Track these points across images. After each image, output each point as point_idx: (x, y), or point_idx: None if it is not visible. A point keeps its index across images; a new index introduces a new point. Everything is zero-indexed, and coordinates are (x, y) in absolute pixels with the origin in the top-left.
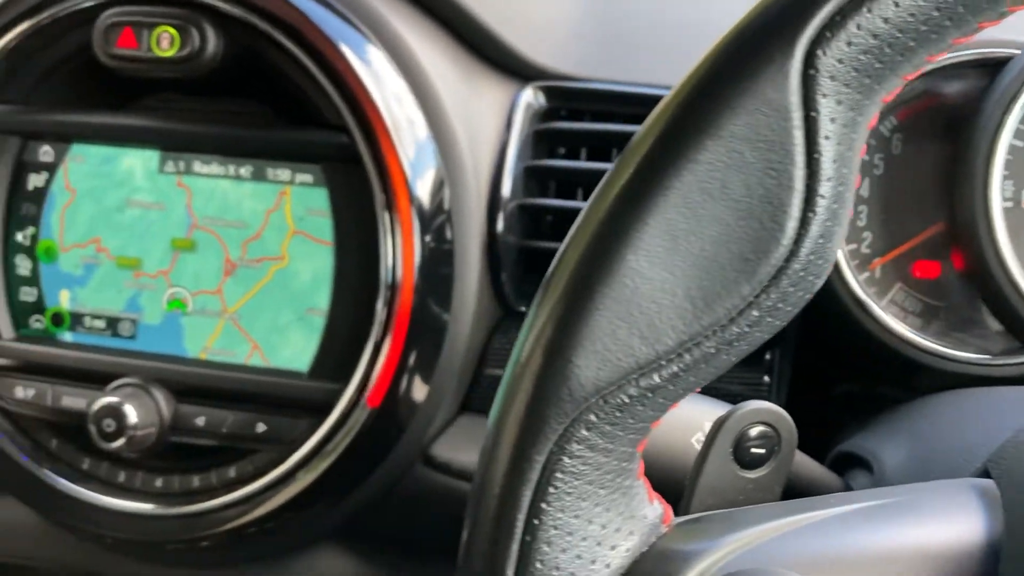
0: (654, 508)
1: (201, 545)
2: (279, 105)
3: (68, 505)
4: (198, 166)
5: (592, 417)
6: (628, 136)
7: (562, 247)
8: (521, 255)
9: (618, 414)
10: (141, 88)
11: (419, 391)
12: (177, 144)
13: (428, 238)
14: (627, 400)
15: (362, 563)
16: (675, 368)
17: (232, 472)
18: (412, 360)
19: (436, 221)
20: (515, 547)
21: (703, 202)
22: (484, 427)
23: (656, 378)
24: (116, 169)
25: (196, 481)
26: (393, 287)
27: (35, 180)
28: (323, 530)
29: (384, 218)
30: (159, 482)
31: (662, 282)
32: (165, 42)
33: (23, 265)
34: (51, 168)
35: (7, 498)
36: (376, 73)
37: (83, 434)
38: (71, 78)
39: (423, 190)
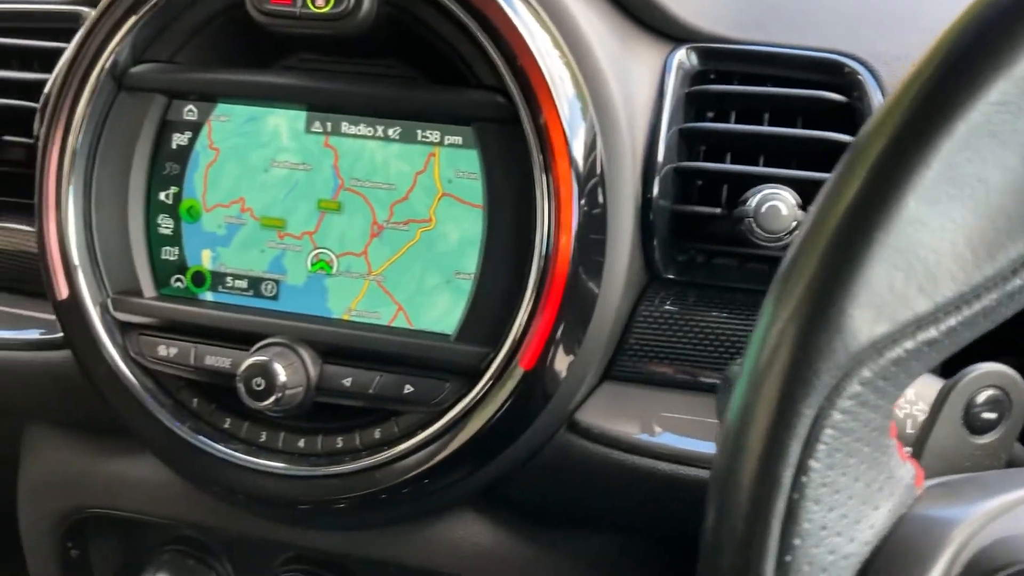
0: (907, 468)
1: (337, 507)
2: (425, 66)
3: (208, 463)
4: (345, 127)
5: (866, 372)
6: (781, 98)
7: (827, 189)
8: (672, 220)
9: (892, 369)
10: (284, 48)
11: (569, 356)
12: (325, 104)
13: (583, 202)
14: (903, 355)
15: (499, 530)
16: (953, 322)
17: (377, 434)
18: (564, 325)
19: (590, 185)
20: (781, 504)
21: (990, 146)
22: (628, 395)
23: (934, 332)
24: (261, 128)
25: (339, 442)
26: (548, 252)
27: (179, 139)
28: (462, 495)
29: (542, 181)
30: (301, 442)
31: (942, 230)
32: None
33: (165, 224)
34: (195, 127)
35: (135, 455)
36: (535, 34)
37: (225, 393)
38: (216, 37)
39: (580, 153)
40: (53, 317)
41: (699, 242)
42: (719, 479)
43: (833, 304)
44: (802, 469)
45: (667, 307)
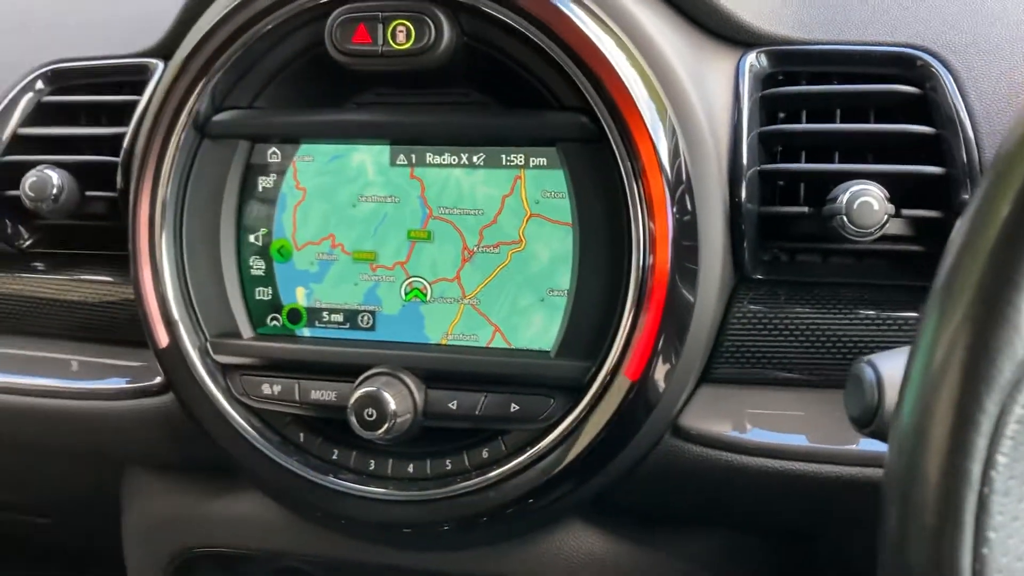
0: None
1: (443, 528)
2: (499, 91)
3: (319, 495)
4: (430, 157)
5: None
6: (854, 95)
7: (985, 190)
8: (759, 222)
9: None
10: (359, 83)
11: (672, 363)
12: (409, 137)
13: (674, 210)
14: None
15: (608, 538)
16: None
17: (485, 453)
18: (665, 334)
19: (678, 193)
20: (972, 498)
21: None
22: (728, 396)
23: None
24: (346, 165)
25: (448, 464)
26: (646, 263)
27: (264, 182)
28: (572, 507)
29: (634, 195)
30: (410, 467)
31: None
32: (401, 35)
33: (257, 266)
34: (280, 169)
35: (237, 492)
36: (615, 52)
37: (330, 425)
38: (294, 79)
39: (670, 165)
40: (140, 364)
41: (786, 241)
42: (900, 477)
43: (1009, 302)
44: (990, 463)
45: (758, 307)
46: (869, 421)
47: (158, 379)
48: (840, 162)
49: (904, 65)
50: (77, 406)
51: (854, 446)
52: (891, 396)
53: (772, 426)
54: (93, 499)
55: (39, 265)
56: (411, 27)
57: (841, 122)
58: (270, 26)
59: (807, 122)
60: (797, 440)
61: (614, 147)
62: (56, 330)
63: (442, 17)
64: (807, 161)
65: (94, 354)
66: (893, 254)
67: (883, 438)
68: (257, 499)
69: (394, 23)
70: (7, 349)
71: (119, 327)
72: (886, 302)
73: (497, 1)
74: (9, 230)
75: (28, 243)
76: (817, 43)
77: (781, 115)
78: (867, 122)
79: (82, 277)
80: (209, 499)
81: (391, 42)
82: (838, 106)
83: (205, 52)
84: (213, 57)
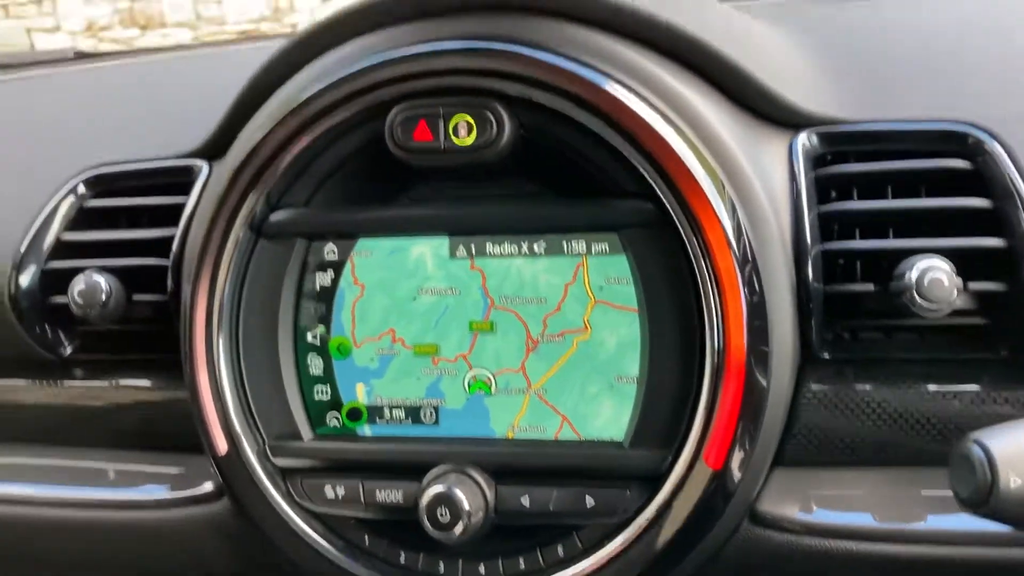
0: None
1: None
2: (553, 180)
3: None
4: (490, 248)
5: None
6: (904, 173)
7: None
8: (825, 300)
9: None
10: (413, 178)
11: (749, 449)
12: (469, 229)
13: (745, 290)
14: None
15: None
16: None
17: (560, 551)
18: (744, 418)
19: (747, 272)
20: None
21: None
22: (802, 478)
23: None
24: (405, 259)
25: (521, 563)
26: (721, 346)
27: (322, 279)
28: None
29: (705, 276)
30: (482, 568)
31: None
32: (463, 131)
33: (316, 364)
34: (337, 265)
35: None
36: (675, 137)
37: (395, 527)
38: (350, 175)
39: (736, 244)
40: (178, 470)
41: (850, 318)
42: None
43: None
44: None
45: (827, 387)
46: (983, 501)
47: (209, 485)
48: (895, 237)
49: (954, 141)
50: (121, 517)
51: (942, 526)
52: (1007, 474)
53: (851, 507)
54: None
55: (78, 372)
56: (473, 122)
57: (892, 198)
58: (328, 126)
59: (858, 199)
60: (878, 521)
61: (680, 230)
62: (94, 438)
63: (503, 112)
64: (861, 237)
65: (134, 461)
66: (957, 328)
67: (1001, 518)
68: None
69: (455, 119)
70: (44, 460)
71: (160, 433)
72: (952, 376)
73: (558, 94)
74: (50, 337)
75: (69, 350)
76: (866, 122)
77: (833, 193)
78: (918, 197)
79: (122, 383)
80: None
81: (453, 138)
82: (889, 183)
83: (262, 154)
84: (270, 159)
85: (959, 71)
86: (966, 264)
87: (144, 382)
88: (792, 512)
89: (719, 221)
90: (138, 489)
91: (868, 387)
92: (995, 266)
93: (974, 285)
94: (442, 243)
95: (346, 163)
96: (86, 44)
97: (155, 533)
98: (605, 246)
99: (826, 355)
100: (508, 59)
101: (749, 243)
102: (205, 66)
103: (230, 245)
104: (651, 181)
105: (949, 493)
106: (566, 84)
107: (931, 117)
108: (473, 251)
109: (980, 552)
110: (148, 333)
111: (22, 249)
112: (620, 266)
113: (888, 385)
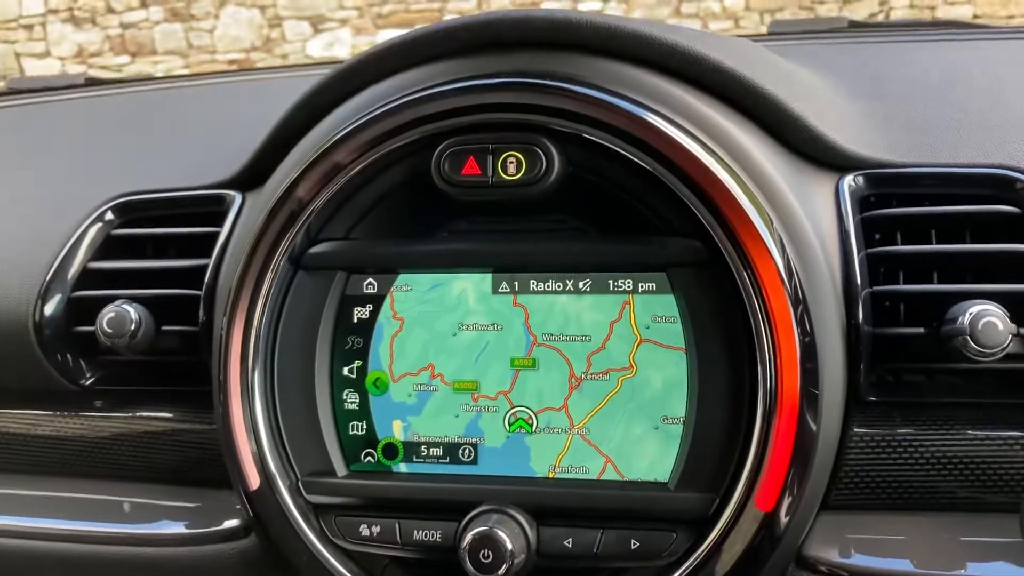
0: None
1: None
2: (596, 217)
3: None
4: (534, 284)
5: None
6: (950, 217)
7: None
8: (873, 343)
9: None
10: (455, 212)
11: (797, 492)
12: (512, 264)
13: (798, 331)
14: None
15: None
16: None
17: None
18: (796, 461)
19: (799, 313)
20: None
21: None
22: (849, 523)
23: None
24: (446, 294)
25: None
26: (774, 388)
27: (360, 313)
28: None
29: (757, 316)
30: None
31: None
32: (512, 167)
33: (351, 399)
34: (376, 299)
35: None
36: (727, 176)
37: (431, 568)
38: (392, 208)
39: (790, 286)
40: (197, 504)
41: (899, 361)
42: None
43: None
44: None
45: (875, 431)
46: None
47: (234, 521)
48: (940, 282)
49: (1001, 186)
50: (141, 553)
51: (981, 573)
52: None
53: (897, 553)
54: None
55: (99, 403)
56: (522, 158)
57: (936, 243)
58: (373, 159)
59: (901, 243)
60: (917, 567)
61: (733, 270)
62: (112, 470)
63: (552, 148)
64: (904, 282)
65: (154, 495)
66: (1003, 372)
67: None
68: None
69: (504, 155)
70: (59, 492)
71: (182, 467)
72: (998, 420)
73: (609, 131)
74: (72, 367)
75: (91, 380)
76: (913, 165)
77: (876, 235)
78: (962, 242)
79: (144, 414)
80: None
81: (501, 173)
82: (933, 226)
83: (305, 186)
84: (313, 191)
85: (1003, 117)
86: (1015, 308)
87: (167, 414)
88: (836, 556)
89: (772, 260)
90: (159, 524)
91: (913, 430)
92: None
93: None
94: (484, 278)
95: (388, 197)
96: (75, 71)
97: (177, 570)
98: (652, 284)
99: (872, 398)
100: (559, 95)
101: (800, 283)
102: (228, 97)
103: (268, 277)
104: (702, 219)
105: (990, 539)
106: (617, 121)
107: (977, 163)
108: (516, 287)
109: None
110: (173, 364)
111: (47, 277)
112: (667, 305)
113: (933, 428)
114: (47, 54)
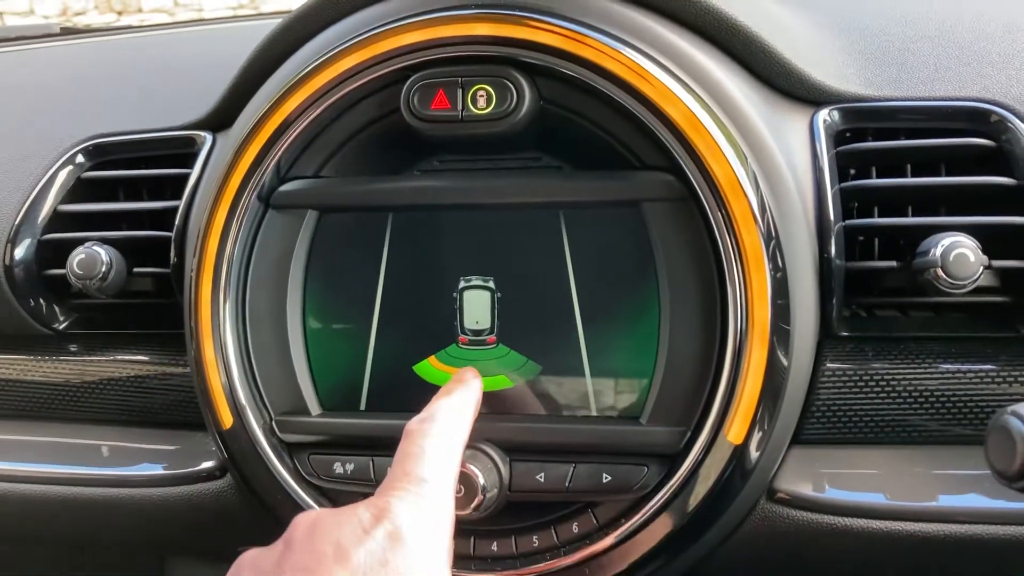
0: None
1: None
2: (568, 153)
3: None
4: (508, 223)
5: None
6: (924, 151)
7: None
8: (845, 277)
9: None
10: (423, 151)
11: (770, 426)
12: (483, 201)
13: (769, 267)
14: None
15: None
16: None
17: (575, 528)
18: (766, 395)
19: (771, 248)
20: None
21: None
22: (820, 457)
23: None
24: (419, 233)
25: (535, 541)
26: (745, 323)
27: (332, 252)
28: None
29: (729, 252)
30: (494, 546)
31: None
32: (481, 100)
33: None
34: (348, 238)
35: None
36: (700, 109)
37: None
38: (360, 146)
39: (761, 219)
40: (175, 447)
41: (871, 296)
42: None
43: None
44: None
45: (846, 365)
46: (1022, 474)
47: (209, 463)
48: (914, 215)
49: (977, 119)
50: (118, 494)
51: (953, 504)
52: None
53: (869, 486)
54: None
55: (73, 347)
56: (492, 92)
57: (913, 176)
58: (342, 94)
59: (876, 177)
60: (890, 499)
61: (705, 204)
62: (90, 414)
63: (523, 81)
64: (881, 215)
65: (130, 438)
66: (975, 306)
67: None
68: None
69: (474, 88)
70: (39, 436)
71: (157, 410)
72: (970, 355)
73: (579, 64)
74: (45, 311)
75: (64, 324)
76: (888, 99)
77: (851, 171)
78: (937, 176)
79: (119, 358)
80: None
81: (471, 107)
82: (908, 161)
83: (272, 123)
84: (281, 128)
85: (980, 53)
86: (987, 242)
87: (142, 357)
88: (807, 490)
89: (745, 196)
90: (136, 466)
91: (885, 365)
92: (1018, 245)
93: (998, 263)
94: (458, 217)
95: (357, 134)
96: None
97: (153, 511)
98: (627, 223)
99: (844, 333)
100: (529, 26)
101: (773, 219)
102: (200, 41)
103: (238, 215)
104: (674, 153)
105: (961, 472)
106: (588, 53)
107: (953, 96)
108: (490, 227)
109: (991, 530)
110: (147, 307)
111: (17, 221)
112: (641, 242)
113: (905, 363)
114: (31, 12)
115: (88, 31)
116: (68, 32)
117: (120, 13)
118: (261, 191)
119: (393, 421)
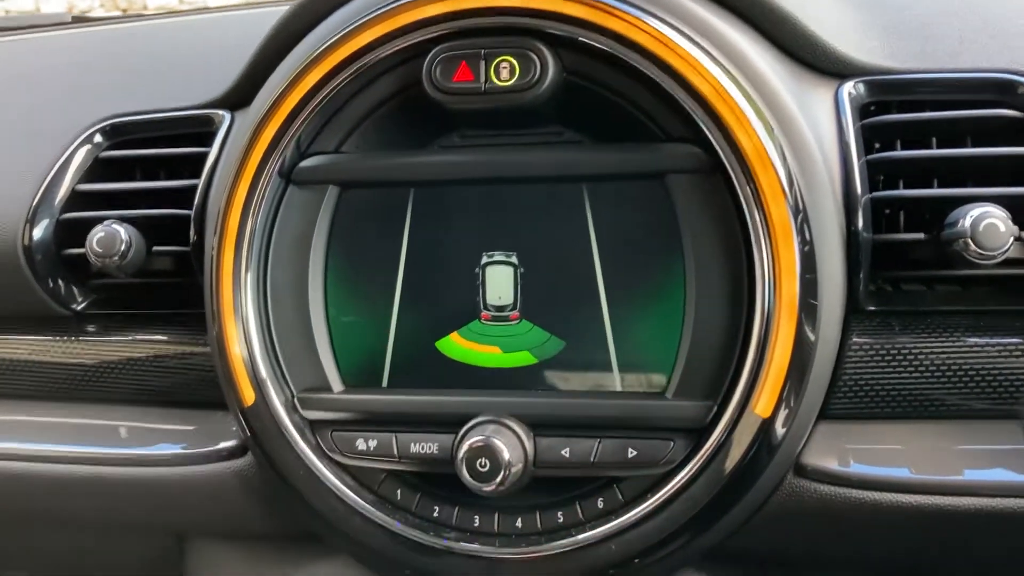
0: None
1: None
2: (591, 127)
3: (421, 555)
4: (531, 198)
5: None
6: (949, 122)
7: None
8: (873, 250)
9: None
10: (445, 126)
11: (797, 399)
12: (507, 175)
13: (797, 240)
14: None
15: None
16: None
17: (600, 503)
18: (793, 370)
19: (798, 221)
20: None
21: None
22: (847, 432)
23: None
24: (443, 209)
25: (560, 517)
26: (772, 296)
27: (353, 227)
28: (695, 555)
29: (757, 225)
30: (518, 522)
31: None
32: (504, 72)
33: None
34: (370, 214)
35: (316, 560)
36: (728, 80)
37: (427, 481)
38: (381, 121)
39: (792, 195)
40: (193, 427)
41: (898, 269)
42: None
43: None
44: None
45: (873, 339)
46: None
47: (230, 441)
48: (940, 186)
49: (1004, 90)
50: (138, 474)
51: (977, 478)
52: None
53: (895, 461)
54: None
55: (92, 327)
56: (515, 63)
57: (939, 148)
58: (362, 67)
59: (901, 149)
60: (915, 473)
61: (732, 176)
62: (109, 395)
63: (547, 52)
64: (907, 187)
65: (149, 418)
66: (1001, 279)
67: None
68: (338, 568)
69: (497, 60)
70: (58, 417)
71: (176, 390)
72: (996, 328)
73: (605, 34)
74: (64, 292)
75: (83, 305)
76: (914, 71)
77: (876, 144)
78: (963, 147)
79: (137, 338)
80: (286, 569)
81: (494, 79)
82: (933, 133)
83: (292, 98)
84: (302, 104)
85: (1006, 25)
86: (1013, 212)
87: (162, 337)
88: (839, 465)
89: (773, 168)
90: (157, 446)
91: (912, 339)
92: None
93: None
94: (480, 192)
95: (378, 109)
96: None
97: (173, 491)
98: (653, 195)
99: (871, 307)
100: None
101: (800, 192)
102: (214, 27)
103: (259, 191)
104: (702, 125)
105: (986, 447)
106: (614, 24)
107: (979, 68)
108: (513, 202)
109: (1017, 503)
110: (165, 287)
111: (35, 201)
112: (667, 214)
113: (932, 337)
114: (36, 11)
115: (101, 19)
116: (80, 20)
117: (125, 10)
118: (282, 167)
119: (416, 397)
